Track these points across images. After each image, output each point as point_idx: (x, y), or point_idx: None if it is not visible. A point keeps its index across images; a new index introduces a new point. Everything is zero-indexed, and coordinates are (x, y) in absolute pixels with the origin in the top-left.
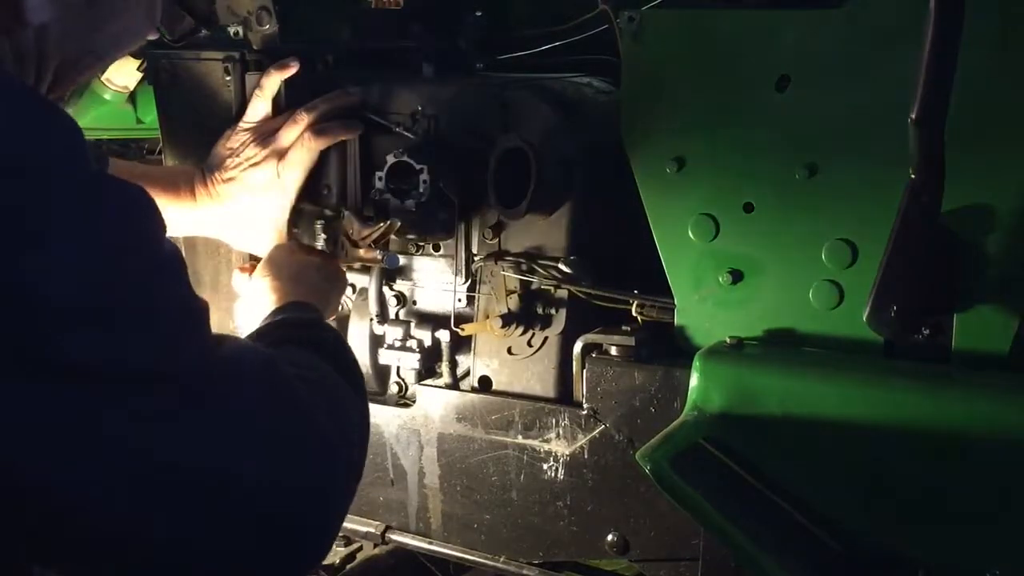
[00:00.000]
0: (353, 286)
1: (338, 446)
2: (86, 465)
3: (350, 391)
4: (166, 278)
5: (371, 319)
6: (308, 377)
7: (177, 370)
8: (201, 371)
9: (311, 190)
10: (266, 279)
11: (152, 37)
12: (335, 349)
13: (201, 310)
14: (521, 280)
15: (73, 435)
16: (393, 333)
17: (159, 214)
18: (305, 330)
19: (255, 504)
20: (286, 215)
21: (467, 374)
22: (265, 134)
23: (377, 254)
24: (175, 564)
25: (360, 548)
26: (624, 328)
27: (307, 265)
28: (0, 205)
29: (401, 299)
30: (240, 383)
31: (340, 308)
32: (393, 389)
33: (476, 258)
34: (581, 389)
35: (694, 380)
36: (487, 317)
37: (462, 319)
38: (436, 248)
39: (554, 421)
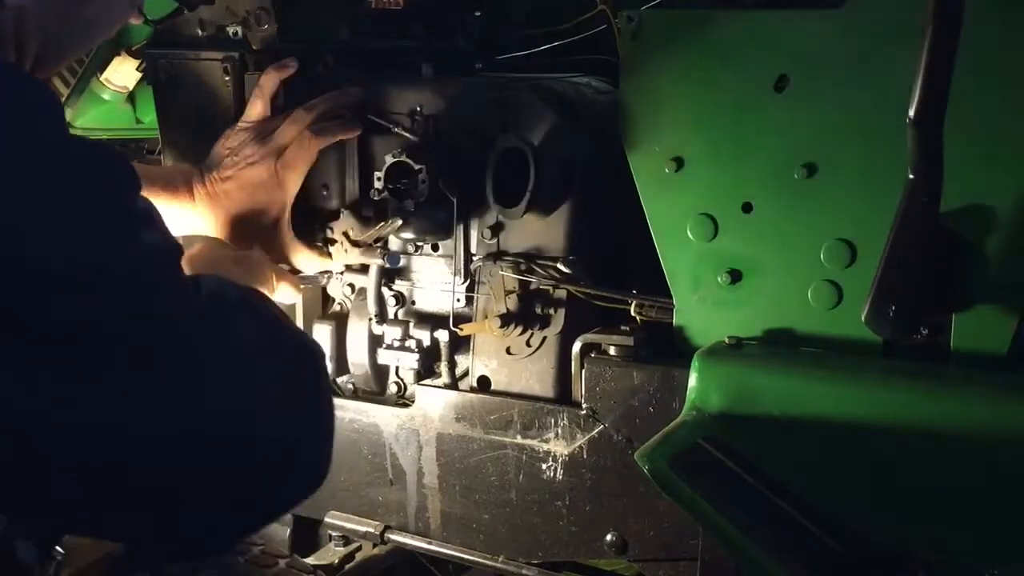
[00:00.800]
0: (352, 286)
1: (320, 375)
2: (74, 429)
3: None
4: (144, 235)
5: (370, 319)
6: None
7: (162, 326)
8: (189, 321)
9: (310, 190)
10: None
11: (135, 21)
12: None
13: (176, 255)
14: (520, 280)
15: (58, 398)
16: (392, 333)
17: (135, 173)
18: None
19: (268, 439)
20: (285, 214)
21: (466, 374)
22: (264, 133)
23: (378, 253)
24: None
25: (359, 548)
26: (623, 328)
27: (223, 258)
28: None
29: (400, 299)
30: (231, 324)
31: (339, 307)
32: (392, 389)
33: (475, 258)
34: (580, 389)
35: (693, 380)
36: (486, 317)
37: (461, 319)
38: (435, 248)
39: (553, 421)
